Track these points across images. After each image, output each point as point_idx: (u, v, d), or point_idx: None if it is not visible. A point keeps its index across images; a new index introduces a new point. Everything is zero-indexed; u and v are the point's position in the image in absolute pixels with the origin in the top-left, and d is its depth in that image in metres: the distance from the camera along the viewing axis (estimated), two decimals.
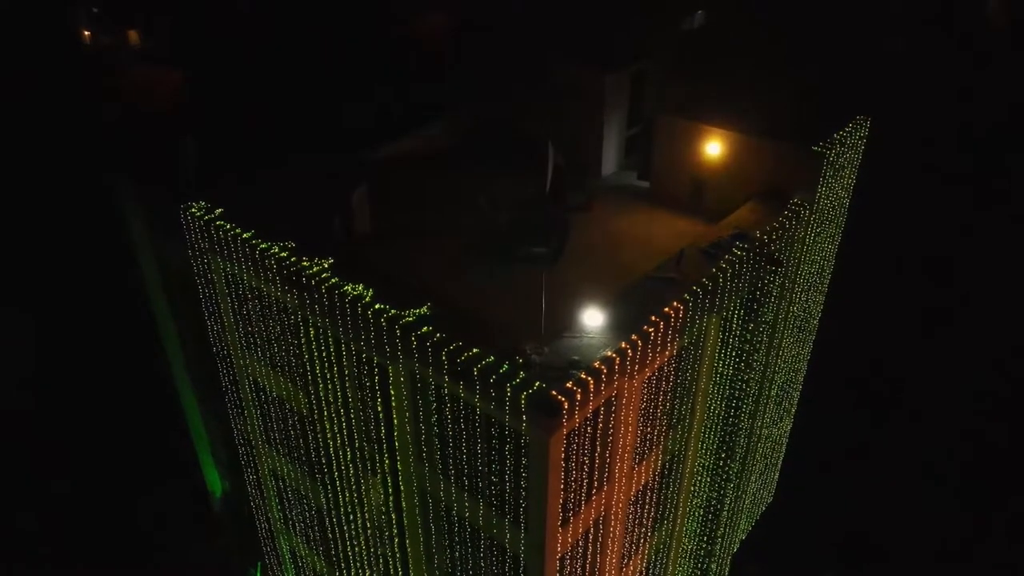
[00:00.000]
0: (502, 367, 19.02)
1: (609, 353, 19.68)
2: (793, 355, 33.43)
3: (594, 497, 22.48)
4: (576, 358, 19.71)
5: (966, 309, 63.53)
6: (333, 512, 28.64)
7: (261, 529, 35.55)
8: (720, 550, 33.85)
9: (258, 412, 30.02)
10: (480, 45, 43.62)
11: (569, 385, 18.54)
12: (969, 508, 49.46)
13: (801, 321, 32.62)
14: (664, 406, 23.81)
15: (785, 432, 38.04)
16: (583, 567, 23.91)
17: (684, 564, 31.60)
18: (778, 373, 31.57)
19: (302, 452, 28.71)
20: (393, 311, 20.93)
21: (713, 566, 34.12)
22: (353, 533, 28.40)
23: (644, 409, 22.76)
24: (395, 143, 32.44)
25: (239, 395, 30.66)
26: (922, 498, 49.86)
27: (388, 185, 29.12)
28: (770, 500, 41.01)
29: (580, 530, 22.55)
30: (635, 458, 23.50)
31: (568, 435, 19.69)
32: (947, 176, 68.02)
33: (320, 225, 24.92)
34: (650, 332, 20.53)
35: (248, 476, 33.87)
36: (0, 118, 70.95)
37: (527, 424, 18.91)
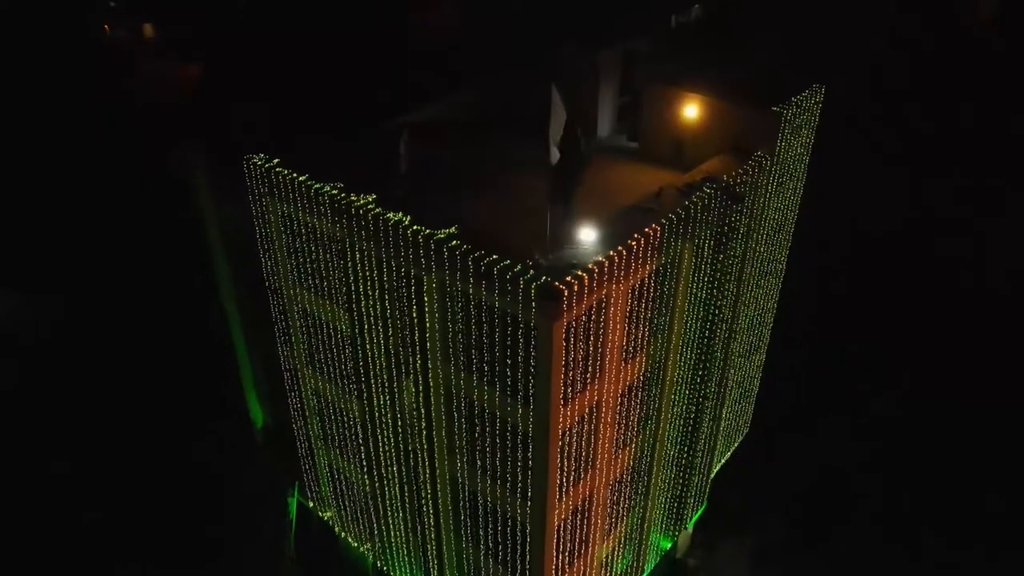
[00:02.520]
0: (515, 268, 24.24)
1: (600, 259, 24.92)
2: (762, 293, 38.68)
3: (589, 385, 27.71)
4: (574, 262, 24.98)
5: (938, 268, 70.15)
6: (368, 418, 33.88)
7: (301, 449, 40.76)
8: (700, 464, 39.08)
9: (305, 337, 35.27)
10: (485, 27, 49.09)
11: (568, 279, 23.77)
12: (937, 449, 54.85)
13: (768, 264, 37.88)
14: (646, 314, 29.02)
15: (758, 366, 43.26)
16: (580, 449, 29.09)
17: (668, 469, 36.80)
18: (748, 305, 36.82)
19: (342, 367, 33.95)
20: (427, 230, 26.16)
21: (695, 479, 39.35)
22: (386, 436, 33.63)
23: (630, 314, 27.99)
24: (414, 114, 37.53)
25: (287, 324, 35.91)
26: (888, 444, 55.29)
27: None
28: (747, 430, 46.24)
29: (578, 412, 27.76)
30: (623, 356, 28.74)
31: (568, 324, 24.89)
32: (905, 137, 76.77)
33: (364, 169, 30.02)
34: (633, 246, 25.77)
35: (291, 400, 39.09)
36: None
37: (536, 311, 24.12)
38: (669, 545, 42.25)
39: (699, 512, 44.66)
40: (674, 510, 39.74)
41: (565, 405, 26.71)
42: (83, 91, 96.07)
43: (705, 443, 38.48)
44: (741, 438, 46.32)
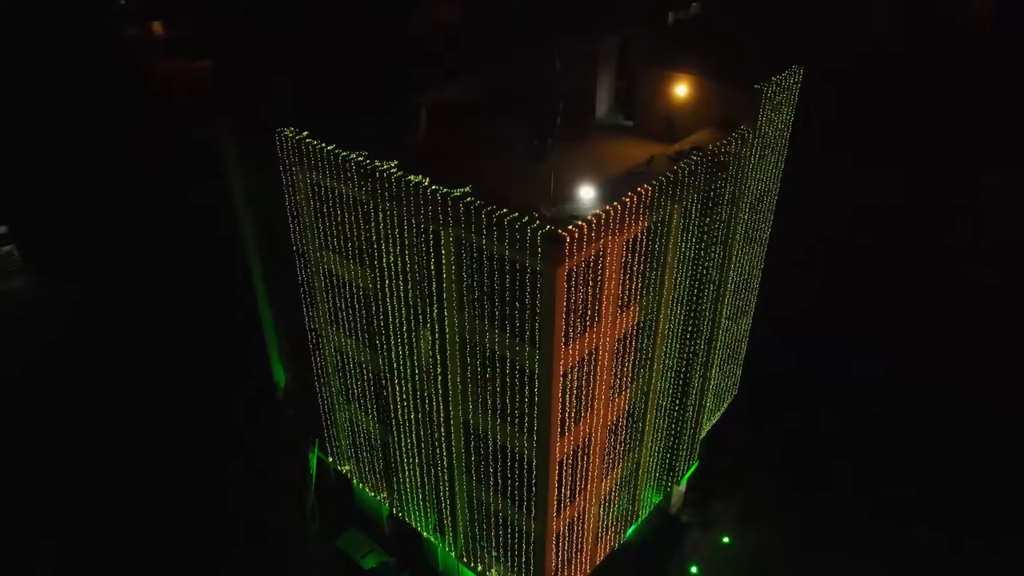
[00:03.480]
0: (523, 219, 27.55)
1: (598, 212, 28.24)
2: (748, 259, 42.00)
3: (588, 331, 31.02)
4: (575, 215, 28.30)
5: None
6: (387, 369, 37.19)
7: (322, 406, 44.05)
8: (691, 418, 42.36)
9: (329, 297, 38.59)
10: (492, 18, 52.73)
11: (570, 228, 27.08)
12: (918, 415, 58.25)
13: (752, 232, 41.20)
14: (640, 268, 32.33)
15: (745, 329, 46.56)
16: (580, 390, 32.38)
17: (661, 419, 40.10)
18: (734, 269, 40.11)
19: (364, 323, 37.26)
20: (444, 189, 29.48)
21: (686, 432, 42.62)
22: (403, 385, 36.93)
23: (625, 266, 31.29)
24: (427, 95, 40.85)
25: (313, 286, 39.23)
26: (870, 412, 58.66)
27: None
28: (736, 392, 49.54)
29: (578, 354, 31.05)
30: (619, 305, 32.05)
31: (569, 271, 28.18)
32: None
33: (386, 139, 33.36)
34: (627, 202, 29.10)
35: (314, 359, 42.36)
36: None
37: (541, 257, 27.41)
38: (660, 498, 45.54)
39: (691, 470, 47.96)
40: (667, 461, 43.02)
41: (567, 345, 30.01)
42: (101, 87, 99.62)
43: (695, 398, 41.77)
44: (731, 400, 49.59)
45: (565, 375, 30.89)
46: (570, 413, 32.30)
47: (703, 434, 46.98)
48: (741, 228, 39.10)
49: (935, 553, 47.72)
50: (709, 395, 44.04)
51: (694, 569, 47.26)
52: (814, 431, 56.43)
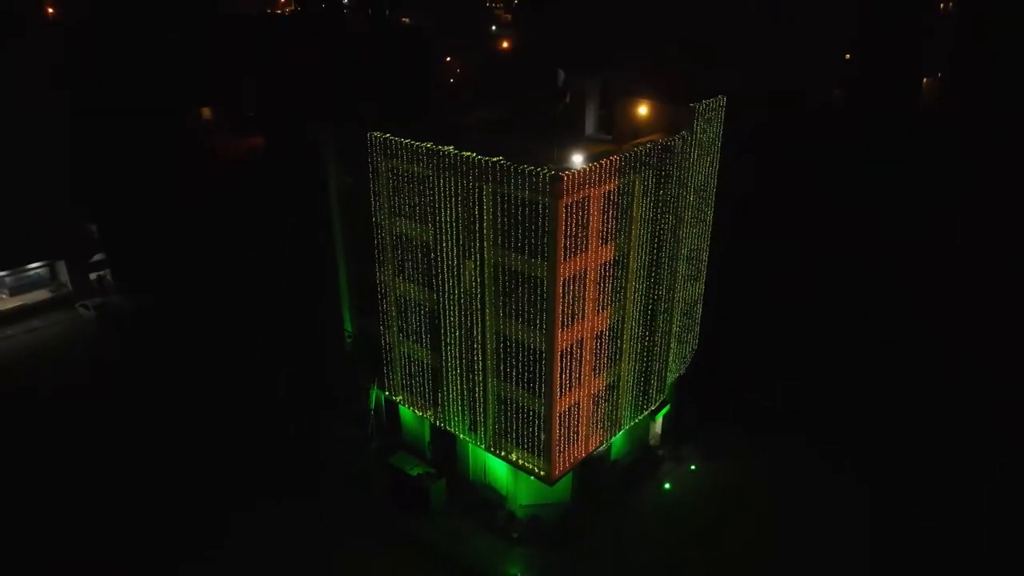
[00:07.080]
0: (537, 170, 43.73)
1: (586, 167, 44.49)
2: (697, 233, 57.99)
3: (580, 253, 46.65)
4: (570, 167, 44.61)
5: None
6: (440, 301, 52.49)
7: (384, 346, 58.99)
8: (659, 352, 57.24)
9: (397, 253, 54.34)
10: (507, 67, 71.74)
11: (567, 173, 43.22)
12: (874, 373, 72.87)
13: (698, 212, 57.38)
14: (614, 213, 48.25)
15: (700, 293, 62.01)
16: (575, 297, 47.66)
17: (635, 343, 55.02)
18: (686, 238, 56.01)
19: (423, 269, 52.80)
20: (486, 158, 45.86)
21: (655, 363, 57.45)
22: (451, 311, 52.11)
23: (604, 212, 47.24)
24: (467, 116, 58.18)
25: (384, 247, 55.03)
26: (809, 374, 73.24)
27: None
28: (696, 345, 64.45)
29: (573, 268, 46.53)
30: (600, 240, 47.81)
31: (567, 205, 44.09)
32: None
33: (450, 134, 50.10)
34: (604, 164, 45.41)
35: (380, 307, 57.64)
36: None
37: (548, 193, 43.39)
38: (638, 418, 59.70)
39: (664, 410, 62.33)
40: (642, 385, 57.54)
41: (565, 262, 45.60)
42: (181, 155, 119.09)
43: (662, 336, 56.81)
44: (693, 352, 64.38)
45: (565, 283, 46.33)
46: (568, 312, 47.50)
47: (671, 377, 61.56)
48: (688, 207, 55.31)
49: (876, 497, 60.04)
50: (673, 338, 59.06)
51: (667, 486, 60.97)
52: (766, 385, 71.04)
